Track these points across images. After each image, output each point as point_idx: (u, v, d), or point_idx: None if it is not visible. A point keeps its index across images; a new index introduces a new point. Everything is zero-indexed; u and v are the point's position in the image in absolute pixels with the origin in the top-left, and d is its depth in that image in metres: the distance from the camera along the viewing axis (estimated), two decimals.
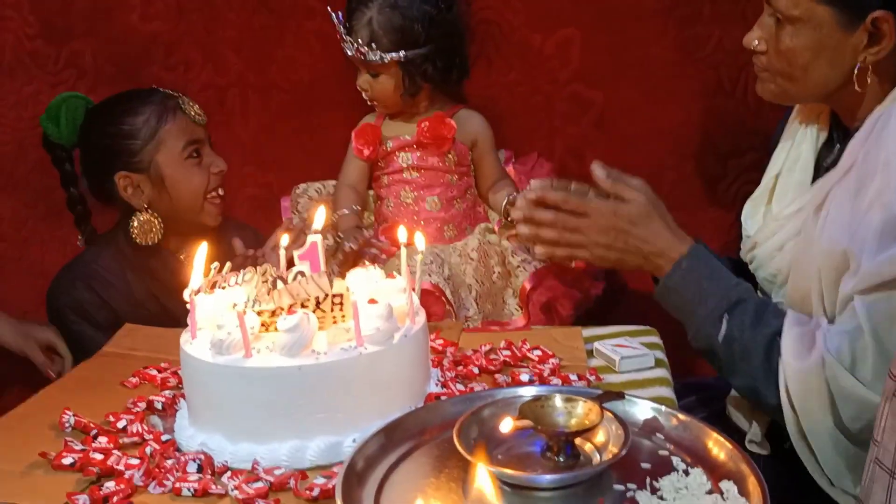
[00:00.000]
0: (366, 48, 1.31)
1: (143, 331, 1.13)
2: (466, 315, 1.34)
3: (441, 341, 1.04)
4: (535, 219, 1.08)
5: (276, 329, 0.83)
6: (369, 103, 1.41)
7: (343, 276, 0.95)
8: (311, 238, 0.94)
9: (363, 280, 0.93)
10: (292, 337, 0.79)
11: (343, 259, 1.32)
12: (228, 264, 0.91)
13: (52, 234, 1.66)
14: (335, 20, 1.34)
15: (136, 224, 1.33)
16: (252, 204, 1.65)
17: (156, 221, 1.33)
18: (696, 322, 1.01)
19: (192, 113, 1.34)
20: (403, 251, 0.96)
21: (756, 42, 1.04)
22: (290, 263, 0.95)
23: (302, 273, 0.91)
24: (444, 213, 1.42)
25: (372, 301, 0.83)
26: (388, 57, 1.32)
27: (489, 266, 1.41)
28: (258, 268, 0.91)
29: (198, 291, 0.87)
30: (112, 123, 1.33)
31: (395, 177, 1.42)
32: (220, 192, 1.37)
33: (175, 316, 1.33)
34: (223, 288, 0.89)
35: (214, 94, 1.61)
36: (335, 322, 0.85)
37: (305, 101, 1.62)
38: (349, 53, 1.34)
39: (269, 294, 0.89)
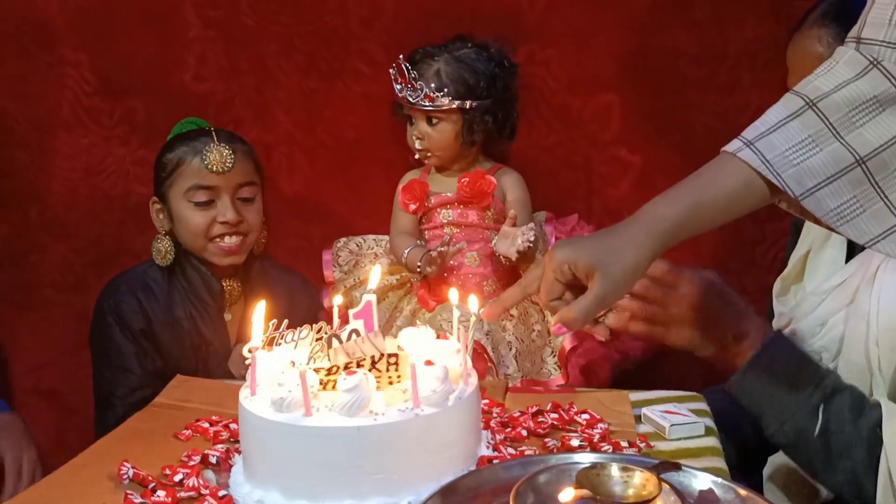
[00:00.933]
0: (434, 93, 1.35)
1: (195, 382, 1.15)
2: (506, 373, 1.35)
3: (486, 401, 1.04)
4: (619, 305, 0.99)
5: (334, 388, 0.84)
6: (418, 156, 1.43)
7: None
8: (365, 297, 0.96)
9: (415, 339, 0.95)
10: (352, 397, 0.81)
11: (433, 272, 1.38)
12: (286, 322, 0.93)
13: (100, 281, 1.70)
14: (404, 68, 1.37)
15: (154, 245, 1.42)
16: (294, 255, 1.68)
17: (170, 247, 1.40)
18: (785, 414, 0.94)
19: (209, 160, 1.36)
20: (455, 312, 0.97)
21: None
22: (344, 321, 0.97)
23: (356, 332, 0.93)
24: (484, 269, 1.45)
25: (429, 363, 0.85)
26: (455, 103, 1.36)
27: (529, 324, 1.42)
28: (313, 326, 0.93)
29: (257, 348, 0.89)
30: (160, 153, 1.43)
31: (435, 232, 1.45)
32: (231, 240, 1.38)
33: (206, 339, 1.40)
34: (279, 345, 0.91)
35: (262, 151, 1.66)
36: (391, 382, 0.86)
37: (349, 158, 1.68)
38: (411, 100, 1.37)
39: (324, 352, 0.90)
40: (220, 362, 1.40)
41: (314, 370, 0.86)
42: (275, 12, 1.61)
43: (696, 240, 1.55)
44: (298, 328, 0.93)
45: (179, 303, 1.41)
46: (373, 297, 0.96)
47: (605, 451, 0.91)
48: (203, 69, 1.65)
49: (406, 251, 1.40)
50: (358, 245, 1.56)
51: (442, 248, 1.35)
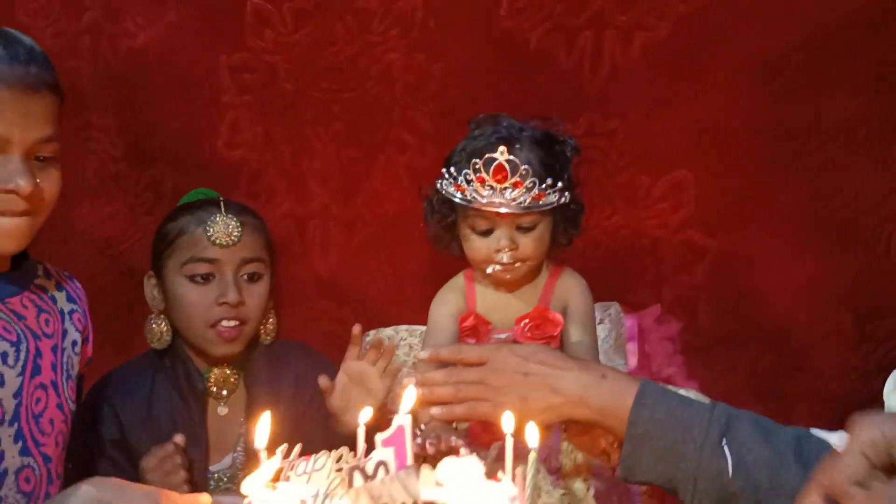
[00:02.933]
0: (541, 189, 1.05)
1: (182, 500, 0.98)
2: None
3: None
4: (428, 381, 1.00)
5: None
6: (491, 270, 1.09)
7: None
8: (397, 420, 0.78)
9: (459, 476, 0.76)
10: None
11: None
12: (298, 447, 0.76)
13: (116, 360, 1.57)
14: (505, 163, 1.04)
15: (148, 325, 1.27)
16: (325, 340, 1.52)
17: (166, 327, 1.26)
18: (690, 467, 0.82)
19: (212, 231, 1.22)
20: (510, 445, 0.79)
21: None
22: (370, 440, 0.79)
23: (384, 464, 0.75)
24: None
25: None
26: (563, 198, 1.06)
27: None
28: (332, 452, 0.76)
29: (259, 487, 0.72)
30: (162, 223, 1.30)
31: None
32: (232, 323, 1.22)
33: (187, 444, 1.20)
34: (287, 479, 0.74)
35: (295, 225, 1.53)
36: None
37: (389, 235, 1.53)
38: (511, 204, 1.05)
39: (344, 487, 0.73)
40: (201, 472, 1.22)
41: None
42: (314, 78, 1.50)
43: (783, 339, 1.39)
44: (313, 456, 0.76)
45: (162, 399, 1.23)
46: (407, 421, 0.78)
47: None
48: (236, 136, 1.54)
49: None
50: (389, 338, 1.38)
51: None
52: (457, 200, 1.08)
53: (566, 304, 1.14)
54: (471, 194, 1.06)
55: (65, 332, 1.05)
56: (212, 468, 1.26)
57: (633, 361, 1.28)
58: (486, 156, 1.05)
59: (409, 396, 0.81)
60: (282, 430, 0.85)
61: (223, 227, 1.23)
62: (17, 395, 0.96)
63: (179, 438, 1.15)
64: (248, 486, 0.72)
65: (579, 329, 1.12)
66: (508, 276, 1.11)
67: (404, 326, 1.39)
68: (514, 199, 1.05)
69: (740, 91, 1.37)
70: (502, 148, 1.05)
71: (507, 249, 1.08)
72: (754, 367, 1.41)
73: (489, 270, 1.11)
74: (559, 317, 1.12)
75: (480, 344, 1.07)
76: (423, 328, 1.33)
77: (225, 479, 1.26)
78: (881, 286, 1.34)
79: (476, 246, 1.10)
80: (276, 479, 0.73)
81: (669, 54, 1.38)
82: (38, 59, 0.96)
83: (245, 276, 1.24)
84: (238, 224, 1.24)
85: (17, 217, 0.94)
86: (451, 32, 1.44)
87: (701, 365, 1.40)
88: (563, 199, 1.08)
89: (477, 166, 1.06)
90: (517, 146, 1.07)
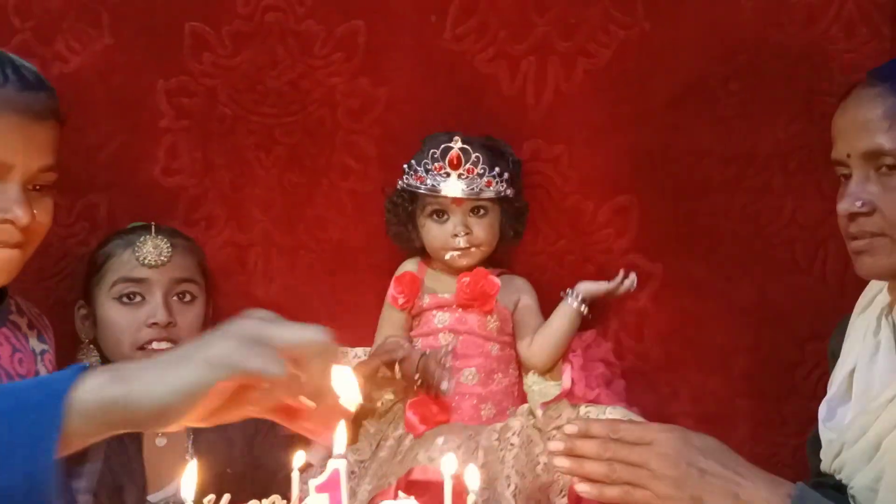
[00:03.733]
0: (494, 178, 1.24)
1: None
2: None
3: None
4: (577, 451, 0.87)
5: None
6: (449, 256, 1.28)
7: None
8: (332, 464, 0.76)
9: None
10: None
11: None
12: (226, 497, 0.72)
13: None
14: (459, 151, 1.24)
15: (77, 357, 1.24)
16: None
17: (97, 360, 1.23)
18: None
19: (141, 251, 1.22)
20: (448, 485, 0.77)
21: (859, 204, 0.91)
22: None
23: None
24: (482, 389, 1.26)
25: None
26: (510, 190, 1.27)
27: (533, 455, 1.21)
28: (263, 501, 0.73)
29: None
30: (93, 252, 1.28)
31: (428, 340, 1.28)
32: (164, 345, 1.19)
33: (119, 483, 1.17)
34: None
35: (235, 253, 1.49)
36: None
37: (333, 262, 1.50)
38: (465, 190, 1.23)
39: None
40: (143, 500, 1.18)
41: None
42: (255, 102, 1.46)
43: (727, 362, 1.40)
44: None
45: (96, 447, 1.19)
46: (342, 463, 0.75)
47: None
48: (174, 162, 1.49)
49: (386, 347, 1.25)
50: (342, 354, 1.37)
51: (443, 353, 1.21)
52: (419, 190, 1.26)
53: (517, 300, 1.31)
54: (430, 182, 1.24)
55: (37, 374, 1.00)
56: (151, 498, 1.22)
57: (566, 382, 1.29)
58: (443, 146, 1.24)
59: (341, 433, 0.78)
60: (223, 457, 0.82)
61: (152, 246, 1.23)
62: None
63: None
64: None
65: (535, 311, 1.31)
66: (465, 262, 1.28)
67: (353, 349, 1.37)
68: (468, 185, 1.24)
69: (681, 117, 1.39)
70: (456, 138, 1.25)
71: (462, 234, 1.25)
72: (699, 390, 1.42)
73: (447, 257, 1.28)
74: (497, 281, 1.28)
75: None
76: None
77: None
78: (816, 309, 1.37)
79: (434, 233, 1.28)
80: None
81: (611, 80, 1.38)
82: (46, 86, 0.93)
83: (175, 297, 1.22)
84: (168, 244, 1.24)
85: (9, 249, 0.90)
86: (394, 56, 1.43)
87: (646, 388, 1.40)
88: (509, 192, 1.27)
89: (435, 156, 1.25)
90: (468, 144, 1.25)
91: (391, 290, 1.32)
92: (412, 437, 1.25)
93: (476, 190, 1.24)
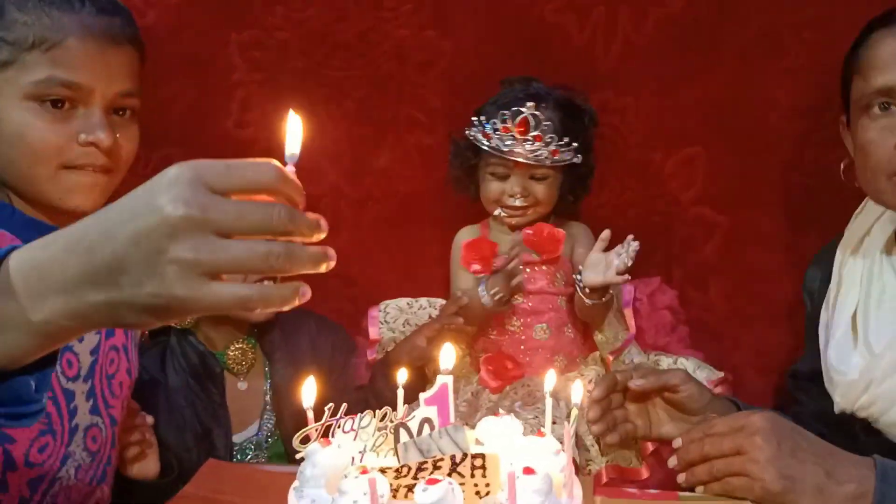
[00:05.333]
0: (559, 147, 1.22)
1: (228, 469, 0.98)
2: (587, 458, 1.16)
3: None
4: (684, 462, 0.90)
5: (408, 496, 0.66)
6: (504, 213, 1.27)
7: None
8: (440, 379, 0.79)
9: (499, 434, 0.77)
10: None
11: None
12: (344, 406, 0.76)
13: None
14: (530, 117, 1.20)
15: None
16: (335, 317, 1.52)
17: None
18: None
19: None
20: (549, 402, 0.79)
21: None
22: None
23: (428, 422, 0.75)
24: (554, 342, 1.28)
25: (528, 471, 0.67)
26: (577, 158, 1.23)
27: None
28: (377, 412, 0.76)
29: (308, 440, 0.72)
30: None
31: None
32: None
33: (206, 426, 1.22)
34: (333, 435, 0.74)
35: (307, 203, 1.52)
36: (479, 494, 0.68)
37: (399, 215, 1.53)
38: (528, 156, 1.20)
39: (387, 444, 0.74)
40: (226, 445, 1.24)
41: (379, 469, 0.68)
42: (326, 55, 1.49)
43: (791, 315, 1.40)
44: (359, 415, 0.76)
45: (179, 390, 1.25)
46: (449, 379, 0.79)
47: None
48: (246, 115, 1.53)
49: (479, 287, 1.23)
50: (409, 304, 1.40)
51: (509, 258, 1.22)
52: (483, 147, 1.24)
53: (572, 249, 1.31)
54: (495, 142, 1.22)
55: None
56: (236, 439, 1.27)
57: (632, 330, 1.30)
58: (514, 108, 1.21)
59: (448, 354, 0.81)
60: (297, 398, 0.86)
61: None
62: (94, 352, 0.95)
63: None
64: (299, 443, 0.72)
65: (581, 251, 1.28)
66: (514, 221, 1.29)
67: (419, 299, 1.40)
68: (531, 151, 1.21)
69: (751, 68, 1.38)
70: (530, 104, 1.21)
71: (518, 195, 1.25)
72: (762, 342, 1.43)
73: (496, 212, 1.29)
74: (561, 232, 1.28)
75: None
76: (441, 301, 1.35)
77: (252, 447, 1.27)
78: None
79: (492, 188, 1.27)
80: (325, 436, 0.73)
81: (682, 30, 1.38)
82: (122, 12, 0.95)
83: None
84: None
85: (95, 173, 0.92)
86: (462, 8, 1.44)
87: (709, 340, 1.41)
88: (575, 160, 1.24)
89: (504, 117, 1.21)
90: (543, 105, 1.22)
91: (463, 255, 1.30)
92: (488, 392, 1.26)
93: (541, 158, 1.21)
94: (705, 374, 1.24)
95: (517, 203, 1.25)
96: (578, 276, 1.21)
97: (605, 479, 1.11)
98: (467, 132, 1.28)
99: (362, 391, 1.30)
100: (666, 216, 1.43)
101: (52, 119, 0.89)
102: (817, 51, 1.36)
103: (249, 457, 1.26)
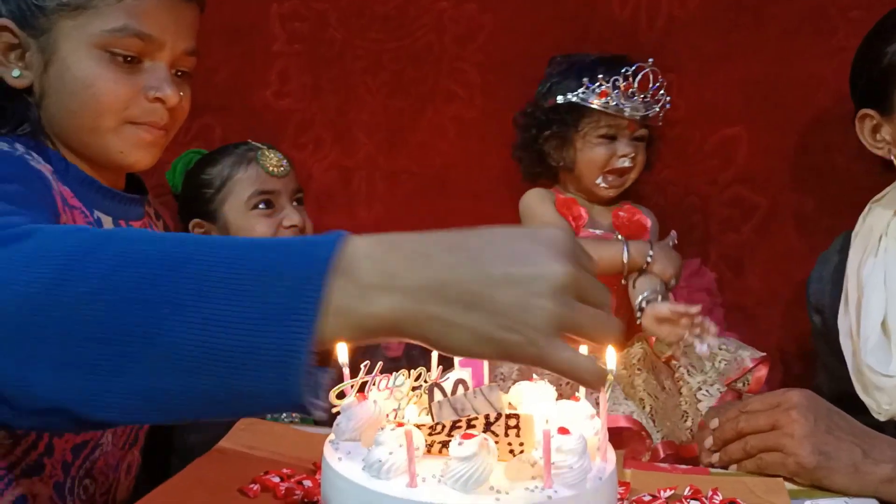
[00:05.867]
0: (666, 105, 1.22)
1: (262, 426, 0.99)
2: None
3: None
4: (720, 441, 0.91)
5: (442, 452, 0.67)
6: (605, 184, 1.23)
7: None
8: None
9: (532, 398, 0.77)
10: (468, 467, 0.63)
11: None
12: (380, 364, 0.77)
13: None
14: (651, 72, 1.18)
15: None
16: None
17: None
18: None
19: (269, 165, 1.29)
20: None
21: None
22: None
23: (463, 382, 0.76)
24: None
25: (564, 430, 0.67)
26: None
27: (660, 379, 1.20)
28: (411, 372, 0.77)
29: (344, 395, 0.73)
30: (194, 173, 1.33)
31: None
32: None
33: None
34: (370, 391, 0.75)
35: (340, 176, 1.54)
36: (512, 452, 0.68)
37: (434, 187, 1.53)
38: (646, 112, 1.20)
39: (419, 402, 0.74)
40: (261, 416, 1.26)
41: (416, 426, 0.69)
42: (364, 27, 1.50)
43: None
44: (394, 374, 0.77)
45: None
46: None
47: None
48: (285, 85, 1.54)
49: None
50: None
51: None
52: (598, 106, 1.19)
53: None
54: (615, 101, 1.18)
55: None
56: None
57: None
58: (637, 64, 1.18)
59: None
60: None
61: (274, 158, 1.30)
62: None
63: None
64: (336, 398, 0.73)
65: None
66: (613, 193, 1.25)
67: None
68: (646, 108, 1.20)
69: (797, 46, 1.36)
70: (651, 59, 1.18)
71: (630, 154, 1.22)
72: (798, 327, 1.41)
73: (599, 181, 1.24)
74: (647, 219, 1.26)
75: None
76: None
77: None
78: None
79: (599, 152, 1.22)
80: (362, 392, 0.74)
81: (726, 7, 1.36)
82: None
83: (295, 204, 1.31)
84: (281, 155, 1.32)
85: (158, 131, 0.92)
86: None
87: (744, 322, 1.40)
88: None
89: (627, 73, 1.18)
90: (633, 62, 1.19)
91: (558, 209, 1.24)
92: None
93: (652, 114, 1.21)
94: (748, 353, 1.22)
95: (626, 164, 1.22)
96: (644, 296, 1.16)
97: (662, 455, 1.10)
98: (567, 97, 1.22)
99: (396, 363, 1.31)
100: (704, 196, 1.42)
101: (121, 71, 0.88)
102: (865, 31, 1.33)
103: (285, 416, 1.28)
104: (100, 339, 0.52)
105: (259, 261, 0.53)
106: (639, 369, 1.18)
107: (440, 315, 0.53)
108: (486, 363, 0.78)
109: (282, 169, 1.30)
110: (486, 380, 0.78)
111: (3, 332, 0.53)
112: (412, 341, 0.56)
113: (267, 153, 1.30)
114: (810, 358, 1.38)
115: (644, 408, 1.13)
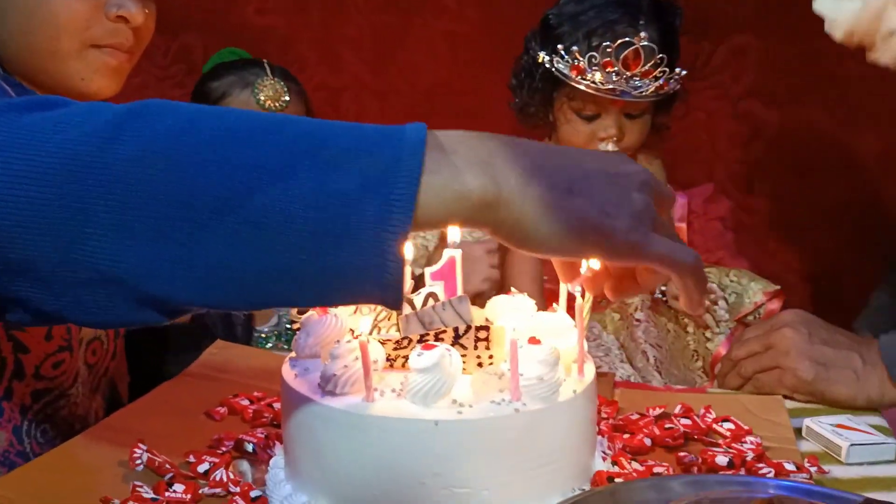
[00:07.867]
0: (668, 81, 1.01)
1: (236, 350, 0.96)
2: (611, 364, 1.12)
3: None
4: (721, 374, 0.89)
5: (404, 366, 0.63)
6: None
7: None
8: (447, 253, 0.74)
9: (510, 311, 0.72)
10: (428, 380, 0.59)
11: None
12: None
13: None
14: (642, 49, 0.98)
15: None
16: None
17: None
18: None
19: (261, 96, 1.18)
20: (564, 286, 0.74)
21: None
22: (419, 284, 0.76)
23: (434, 296, 0.71)
24: None
25: (534, 340, 0.62)
26: (678, 86, 1.03)
27: (661, 324, 1.15)
28: None
29: (306, 311, 0.69)
30: (202, 80, 1.24)
31: None
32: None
33: None
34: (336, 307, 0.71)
35: (328, 96, 1.47)
36: (480, 364, 0.64)
37: (425, 106, 1.46)
38: (633, 94, 1.00)
39: (390, 319, 0.70)
40: (248, 334, 1.22)
41: (379, 341, 0.65)
42: None
43: (840, 216, 1.31)
44: None
45: None
46: (457, 253, 0.74)
47: (766, 475, 0.67)
48: (266, 2, 1.46)
49: None
50: None
51: None
52: (572, 83, 1.02)
53: None
54: (591, 76, 1.00)
55: None
56: (258, 328, 1.26)
57: (686, 241, 1.23)
58: (621, 41, 0.99)
59: (455, 228, 0.75)
60: None
61: (271, 90, 1.18)
62: None
63: None
64: (295, 311, 0.69)
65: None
66: None
67: None
68: (636, 88, 1.01)
69: None
70: (644, 34, 1.00)
71: (613, 138, 1.04)
72: (808, 246, 1.35)
73: None
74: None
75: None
76: None
77: (273, 337, 1.27)
78: None
79: (579, 129, 1.06)
80: (325, 308, 0.70)
81: None
82: None
83: None
84: (285, 88, 1.19)
85: (123, 54, 0.83)
86: None
87: (752, 244, 1.34)
88: (678, 86, 1.04)
89: (608, 50, 0.99)
90: (641, 21, 1.00)
91: None
92: None
93: (645, 93, 1.01)
94: (761, 286, 1.16)
95: (609, 148, 1.05)
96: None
97: None
98: (545, 57, 1.04)
99: None
100: (711, 112, 1.34)
101: None
102: None
103: (270, 345, 1.26)
104: (172, 203, 0.47)
105: (346, 137, 0.51)
106: (637, 320, 1.12)
107: (542, 196, 0.50)
108: (458, 275, 0.74)
109: (277, 104, 1.18)
110: (459, 291, 0.73)
111: (55, 190, 0.47)
112: (496, 233, 0.52)
113: (264, 83, 1.19)
114: (819, 279, 1.32)
115: (648, 359, 1.08)
